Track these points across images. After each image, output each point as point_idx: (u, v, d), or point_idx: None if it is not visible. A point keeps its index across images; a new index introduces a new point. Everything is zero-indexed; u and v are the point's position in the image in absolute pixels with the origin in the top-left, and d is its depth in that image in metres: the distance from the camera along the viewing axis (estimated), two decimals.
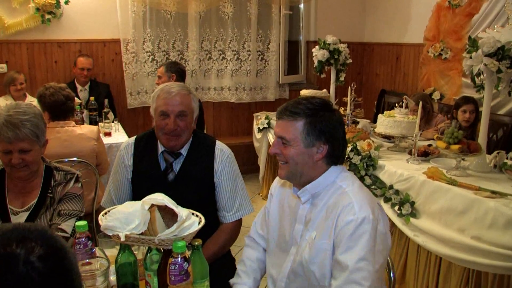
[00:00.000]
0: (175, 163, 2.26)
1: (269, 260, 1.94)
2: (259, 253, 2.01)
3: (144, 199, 1.59)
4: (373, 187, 3.34)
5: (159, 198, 1.57)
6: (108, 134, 4.18)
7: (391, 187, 3.21)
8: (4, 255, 0.85)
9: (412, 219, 3.02)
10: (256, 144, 5.34)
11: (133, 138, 2.39)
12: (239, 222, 2.35)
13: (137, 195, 2.27)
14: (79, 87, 5.05)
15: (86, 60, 5.11)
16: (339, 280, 1.55)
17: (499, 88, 2.96)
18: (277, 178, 1.96)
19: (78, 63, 5.11)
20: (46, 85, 3.24)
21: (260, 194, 5.34)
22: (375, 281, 1.52)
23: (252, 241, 2.05)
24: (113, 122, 4.45)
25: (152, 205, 1.58)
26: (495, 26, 3.49)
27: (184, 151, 2.27)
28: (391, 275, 1.93)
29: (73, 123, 3.31)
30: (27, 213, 2.11)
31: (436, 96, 5.34)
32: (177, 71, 4.34)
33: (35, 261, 0.86)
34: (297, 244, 1.77)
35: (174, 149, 2.25)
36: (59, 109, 3.21)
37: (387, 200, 3.22)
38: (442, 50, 5.27)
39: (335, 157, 1.73)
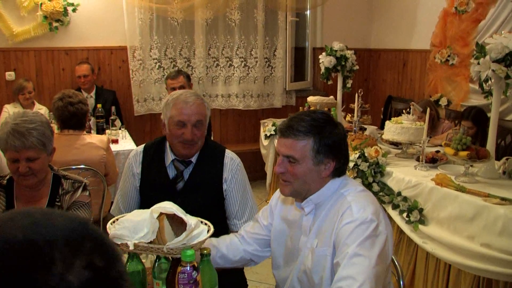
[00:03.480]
0: (186, 171, 2.26)
1: (277, 274, 1.94)
2: (240, 245, 1.99)
3: (152, 207, 1.59)
4: (381, 194, 3.33)
5: (168, 206, 1.57)
6: (115, 141, 4.18)
7: (399, 193, 3.20)
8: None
9: (420, 226, 3.00)
10: (263, 151, 5.34)
11: (142, 146, 2.38)
12: None
13: (145, 204, 2.27)
14: (85, 94, 5.06)
15: (80, 68, 5.10)
16: (335, 276, 1.52)
17: (508, 94, 2.94)
18: (277, 191, 1.94)
19: (76, 72, 5.15)
20: (64, 94, 3.22)
21: (267, 201, 5.29)
22: (372, 279, 1.46)
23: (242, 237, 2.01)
24: (120, 129, 4.46)
25: (161, 214, 1.58)
26: (502, 32, 3.48)
27: (194, 159, 2.26)
28: (401, 283, 1.91)
29: (84, 132, 3.33)
30: None
31: (443, 102, 5.31)
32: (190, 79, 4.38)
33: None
34: (302, 254, 1.77)
35: (187, 157, 2.24)
36: (65, 123, 3.22)
37: (395, 207, 3.20)
38: (449, 56, 5.25)
39: (340, 170, 1.74)
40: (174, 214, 1.56)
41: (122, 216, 1.66)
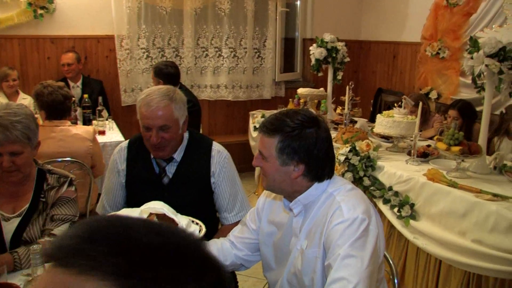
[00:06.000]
0: (169, 166, 2.20)
1: (269, 276, 1.90)
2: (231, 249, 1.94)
3: (142, 207, 1.53)
4: (372, 188, 3.30)
5: (158, 206, 1.52)
6: (102, 132, 4.10)
7: (390, 188, 3.18)
8: None
9: (411, 221, 2.98)
10: (252, 143, 5.29)
11: (126, 142, 2.32)
12: None
13: (131, 200, 2.22)
14: (71, 83, 4.96)
15: (65, 56, 5.01)
16: (328, 279, 1.48)
17: (500, 89, 2.92)
18: (264, 192, 1.93)
19: (61, 60, 5.06)
20: (44, 83, 3.16)
21: (256, 193, 5.29)
22: (366, 280, 1.44)
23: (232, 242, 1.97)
24: (107, 120, 4.37)
25: (151, 214, 1.52)
26: (493, 26, 3.45)
27: (177, 155, 2.20)
28: (395, 282, 1.89)
29: (69, 122, 3.24)
30: (19, 219, 2.03)
31: (433, 95, 5.30)
32: (165, 77, 4.07)
33: None
34: (292, 255, 1.73)
35: (162, 158, 2.18)
36: (56, 108, 3.14)
37: (386, 201, 3.18)
38: (439, 49, 5.23)
39: (316, 175, 1.65)
40: (164, 215, 1.51)
41: None
